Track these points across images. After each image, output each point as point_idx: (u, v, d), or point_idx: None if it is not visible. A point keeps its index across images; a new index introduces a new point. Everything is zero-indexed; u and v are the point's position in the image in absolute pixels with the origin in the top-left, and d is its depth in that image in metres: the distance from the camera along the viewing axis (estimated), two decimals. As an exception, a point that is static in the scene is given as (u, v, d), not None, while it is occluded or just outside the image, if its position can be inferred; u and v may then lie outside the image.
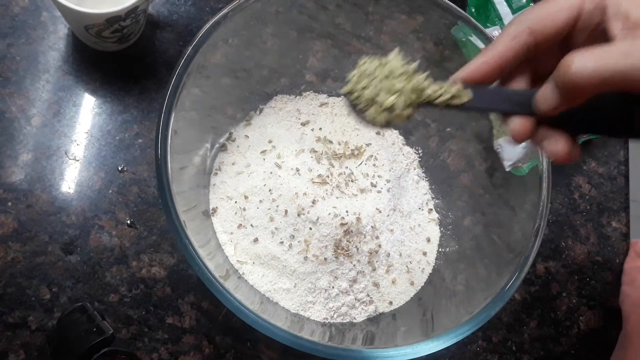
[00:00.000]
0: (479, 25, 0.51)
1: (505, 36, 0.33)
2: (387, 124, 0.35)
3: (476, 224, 0.55)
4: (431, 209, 0.59)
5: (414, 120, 0.60)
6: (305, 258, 0.51)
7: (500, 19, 0.62)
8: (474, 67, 0.33)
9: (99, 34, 0.54)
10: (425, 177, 0.60)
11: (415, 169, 0.60)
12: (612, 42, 0.29)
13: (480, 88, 0.34)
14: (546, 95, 0.31)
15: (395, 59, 0.35)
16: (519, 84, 0.34)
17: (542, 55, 0.33)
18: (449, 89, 0.34)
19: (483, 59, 0.33)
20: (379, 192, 0.55)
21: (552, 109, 0.31)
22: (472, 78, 0.34)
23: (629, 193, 0.65)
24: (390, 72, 0.34)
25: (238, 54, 0.54)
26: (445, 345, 0.43)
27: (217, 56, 0.51)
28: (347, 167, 0.55)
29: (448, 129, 0.58)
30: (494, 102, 0.34)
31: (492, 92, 0.34)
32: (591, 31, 0.32)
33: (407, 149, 0.60)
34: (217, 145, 0.56)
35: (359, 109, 0.35)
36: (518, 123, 0.33)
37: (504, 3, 0.62)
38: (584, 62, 0.28)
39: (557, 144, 0.32)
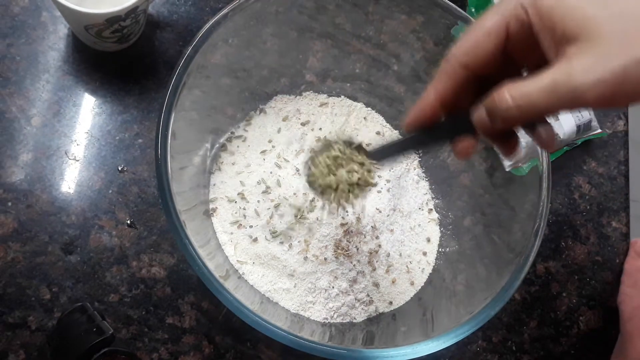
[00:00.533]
0: (479, 25, 0.51)
1: (442, 75, 0.33)
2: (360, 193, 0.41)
3: (476, 224, 0.55)
4: (431, 209, 0.59)
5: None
6: (305, 258, 0.51)
7: (500, 19, 0.62)
8: (417, 113, 0.35)
9: (99, 34, 0.54)
10: (425, 177, 0.60)
11: (415, 169, 0.60)
12: (542, 70, 0.28)
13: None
14: (482, 122, 0.32)
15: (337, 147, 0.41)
16: (465, 104, 0.34)
17: (484, 69, 0.33)
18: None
19: (425, 103, 0.34)
20: (379, 192, 0.55)
21: (491, 132, 0.32)
22: (417, 124, 0.35)
23: (629, 193, 0.65)
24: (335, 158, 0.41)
25: (238, 54, 0.54)
26: (445, 345, 0.43)
27: (217, 56, 0.51)
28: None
29: (448, 129, 0.58)
30: (440, 135, 0.36)
31: (437, 126, 0.35)
32: (527, 39, 0.31)
33: (407, 149, 0.60)
34: (217, 145, 0.56)
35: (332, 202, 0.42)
36: (459, 146, 0.34)
37: (504, 3, 0.62)
38: (510, 101, 0.29)
39: (505, 149, 0.35)
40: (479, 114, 0.32)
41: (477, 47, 0.32)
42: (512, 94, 0.29)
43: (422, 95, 0.34)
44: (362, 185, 0.41)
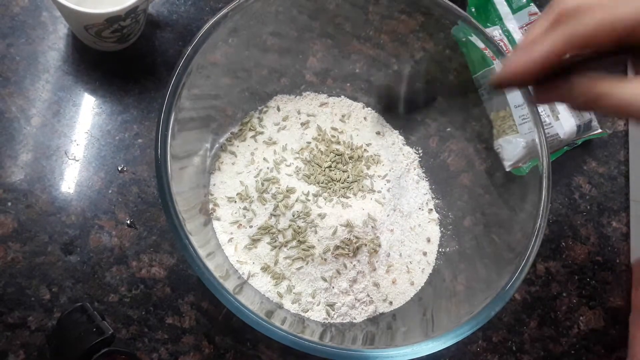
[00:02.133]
0: (479, 25, 0.51)
1: (584, 38, 0.31)
2: None
3: (476, 224, 0.55)
4: (431, 209, 0.58)
5: (414, 120, 0.60)
6: (305, 258, 0.51)
7: (501, 19, 0.62)
8: (515, 69, 0.33)
9: (99, 34, 0.54)
10: (425, 177, 0.60)
11: (415, 169, 0.60)
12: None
13: None
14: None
15: None
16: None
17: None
18: None
19: (538, 60, 0.32)
20: (379, 192, 0.55)
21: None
22: (510, 81, 0.34)
23: (629, 193, 0.65)
24: None
25: (238, 53, 0.54)
26: (445, 345, 0.43)
27: (217, 56, 0.51)
28: (347, 167, 0.55)
29: (448, 129, 0.58)
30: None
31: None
32: None
33: (407, 149, 0.60)
34: (217, 145, 0.56)
35: None
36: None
37: (504, 3, 0.62)
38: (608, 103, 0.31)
39: None
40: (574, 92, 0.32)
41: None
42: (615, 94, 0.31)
43: (516, 52, 0.32)
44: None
